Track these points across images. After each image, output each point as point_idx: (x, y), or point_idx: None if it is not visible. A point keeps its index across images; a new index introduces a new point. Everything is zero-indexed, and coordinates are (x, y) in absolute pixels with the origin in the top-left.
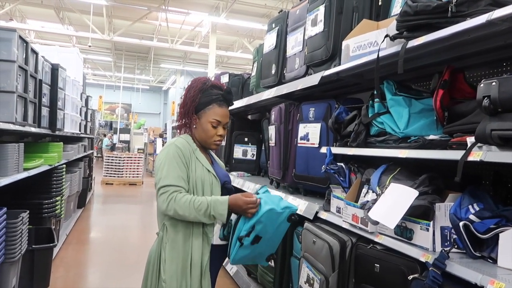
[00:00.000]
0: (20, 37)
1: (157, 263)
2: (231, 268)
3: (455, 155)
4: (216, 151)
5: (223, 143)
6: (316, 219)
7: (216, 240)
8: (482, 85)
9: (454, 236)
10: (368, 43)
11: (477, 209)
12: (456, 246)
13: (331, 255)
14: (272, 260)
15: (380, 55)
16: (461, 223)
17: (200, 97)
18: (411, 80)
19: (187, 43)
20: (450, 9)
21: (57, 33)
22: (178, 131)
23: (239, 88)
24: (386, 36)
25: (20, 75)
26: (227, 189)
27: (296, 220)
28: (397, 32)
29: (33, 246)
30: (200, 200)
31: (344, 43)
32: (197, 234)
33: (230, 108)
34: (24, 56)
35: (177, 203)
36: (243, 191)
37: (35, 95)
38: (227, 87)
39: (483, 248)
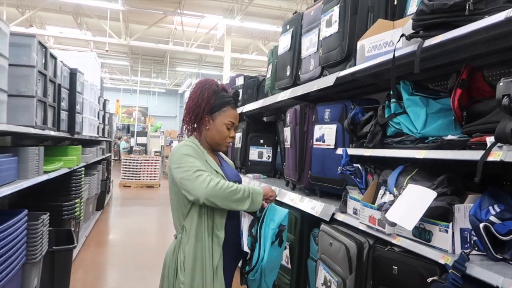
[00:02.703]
0: (40, 42)
1: (174, 265)
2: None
3: (475, 155)
4: (230, 154)
5: (239, 145)
6: (333, 221)
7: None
8: (501, 83)
9: (474, 238)
10: (383, 43)
11: (498, 210)
12: (476, 248)
13: (348, 257)
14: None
15: (396, 55)
16: (481, 225)
17: (214, 99)
18: (428, 80)
19: (202, 46)
20: (467, 7)
21: (75, 38)
22: (187, 134)
23: (254, 90)
24: (402, 35)
25: (39, 79)
26: None
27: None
28: (413, 31)
29: (53, 247)
30: (235, 184)
31: (359, 43)
32: (207, 236)
33: (245, 110)
34: (43, 61)
35: (216, 184)
36: None
37: (54, 99)
38: (235, 90)
39: (504, 250)
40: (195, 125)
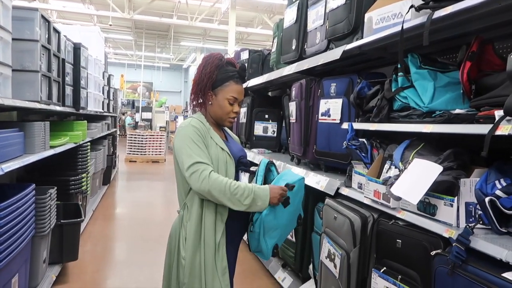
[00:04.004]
0: (42, 16)
1: (177, 241)
2: None
3: (482, 129)
4: (235, 129)
5: (244, 120)
6: (337, 195)
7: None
8: None
9: (479, 212)
10: (392, 14)
11: (504, 184)
12: (481, 222)
13: (352, 230)
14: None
15: (404, 27)
16: (486, 199)
17: (216, 74)
18: (437, 53)
19: (206, 20)
20: None
21: (78, 12)
22: (192, 109)
23: (259, 64)
24: (411, 6)
25: (43, 54)
26: (243, 163)
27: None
28: (423, 2)
29: (61, 221)
30: (237, 183)
31: (367, 15)
32: (210, 212)
33: (250, 85)
34: (46, 36)
35: (212, 181)
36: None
37: (58, 74)
38: (241, 64)
39: (509, 224)
40: (201, 100)
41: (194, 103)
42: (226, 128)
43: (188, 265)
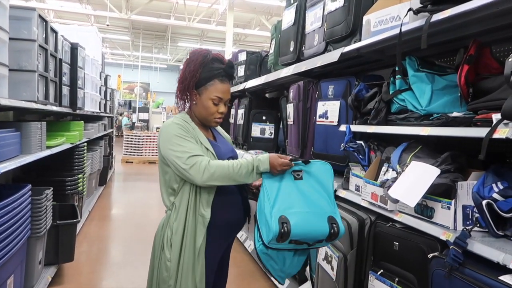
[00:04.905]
0: (40, 16)
1: (161, 241)
2: (249, 245)
3: (480, 132)
4: (232, 130)
5: (241, 121)
6: (335, 197)
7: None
8: (510, 59)
9: (477, 215)
10: (390, 17)
11: (501, 187)
12: (478, 225)
13: (349, 233)
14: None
15: (402, 30)
16: (484, 202)
17: (200, 72)
18: (434, 56)
19: (204, 21)
20: None
21: (76, 12)
22: (177, 108)
23: (257, 66)
24: (409, 10)
25: (40, 54)
26: None
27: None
28: (421, 5)
29: (57, 221)
30: (239, 163)
31: (365, 18)
32: (191, 215)
33: (248, 86)
34: (44, 35)
35: (214, 169)
36: None
37: (55, 74)
38: (229, 61)
39: (506, 227)
40: (186, 100)
41: (180, 102)
42: (218, 127)
43: (174, 267)
